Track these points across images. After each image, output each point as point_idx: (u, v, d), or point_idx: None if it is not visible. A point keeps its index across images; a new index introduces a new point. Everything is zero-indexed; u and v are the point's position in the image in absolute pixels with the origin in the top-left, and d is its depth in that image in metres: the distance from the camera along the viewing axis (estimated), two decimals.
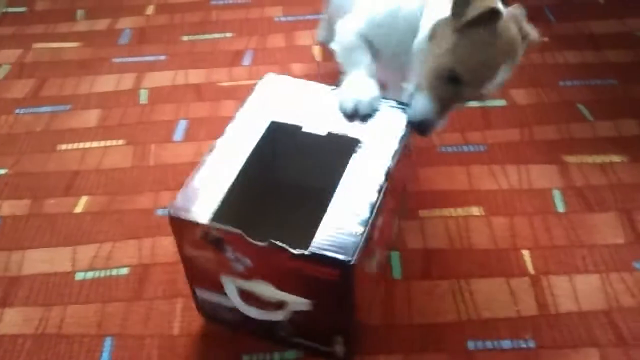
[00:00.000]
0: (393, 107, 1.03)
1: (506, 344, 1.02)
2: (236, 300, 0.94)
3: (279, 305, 0.93)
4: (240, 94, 1.52)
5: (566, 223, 1.20)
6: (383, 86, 1.09)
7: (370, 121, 1.00)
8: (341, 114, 1.01)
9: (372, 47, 1.09)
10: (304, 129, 0.99)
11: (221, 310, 1.00)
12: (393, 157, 0.95)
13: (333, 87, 1.07)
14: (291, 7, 1.81)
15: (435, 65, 0.96)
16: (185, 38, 1.72)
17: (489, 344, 1.02)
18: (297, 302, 0.91)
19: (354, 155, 0.95)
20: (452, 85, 0.95)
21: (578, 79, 1.52)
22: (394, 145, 0.97)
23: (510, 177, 1.29)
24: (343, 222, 0.86)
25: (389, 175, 0.92)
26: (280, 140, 1.04)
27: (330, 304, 0.90)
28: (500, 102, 1.46)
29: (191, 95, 1.53)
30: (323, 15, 1.61)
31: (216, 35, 1.72)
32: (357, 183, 0.91)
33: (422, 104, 0.98)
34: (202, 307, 1.04)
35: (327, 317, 0.92)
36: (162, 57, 1.66)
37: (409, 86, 1.02)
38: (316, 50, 1.65)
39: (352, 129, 0.99)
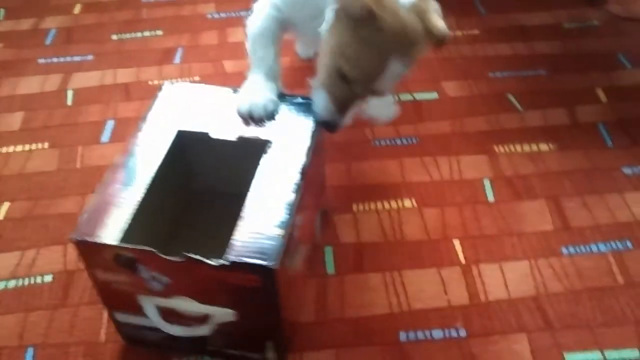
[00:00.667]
0: (300, 103, 1.02)
1: (437, 333, 1.02)
2: (157, 321, 0.90)
3: (204, 319, 0.90)
4: None
5: (496, 212, 1.21)
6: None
7: (282, 121, 0.99)
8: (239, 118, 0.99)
9: (288, 23, 1.07)
10: (212, 135, 0.97)
11: (144, 331, 0.96)
12: (307, 153, 0.93)
13: (236, 89, 1.04)
14: (224, 4, 1.78)
15: (326, 62, 0.95)
16: (114, 37, 1.67)
17: (420, 335, 1.02)
18: (222, 313, 0.88)
19: (264, 157, 0.93)
20: (344, 83, 0.94)
21: (508, 70, 1.54)
22: (306, 142, 0.95)
23: (442, 168, 1.30)
24: (260, 226, 0.84)
25: (304, 172, 0.91)
26: (189, 150, 1.01)
27: (256, 310, 0.87)
28: (432, 95, 1.47)
29: (119, 95, 1.49)
30: None
31: (146, 34, 1.68)
32: (271, 184, 0.89)
33: (321, 103, 0.98)
34: (124, 330, 1.00)
35: (255, 323, 0.90)
36: (90, 57, 1.60)
37: (313, 81, 1.01)
38: None
39: (263, 132, 0.97)
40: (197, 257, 0.81)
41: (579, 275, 1.11)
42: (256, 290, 0.83)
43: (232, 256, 0.80)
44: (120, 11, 1.77)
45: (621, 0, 1.74)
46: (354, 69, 0.92)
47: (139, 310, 0.91)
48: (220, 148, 0.98)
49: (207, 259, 0.80)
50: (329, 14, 0.95)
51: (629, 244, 1.16)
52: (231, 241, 0.82)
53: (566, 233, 1.18)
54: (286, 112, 1.01)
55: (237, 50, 1.61)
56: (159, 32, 1.68)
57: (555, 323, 1.04)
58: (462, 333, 1.02)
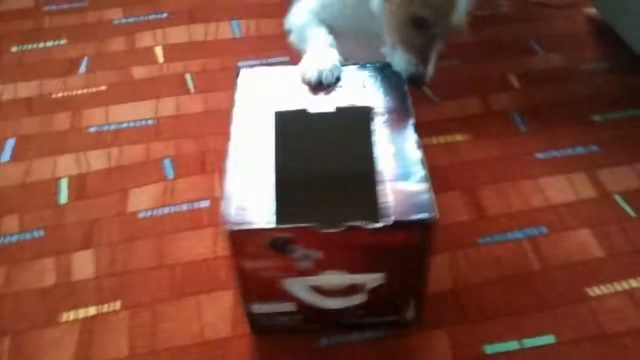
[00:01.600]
0: (366, 67, 1.05)
1: None
2: (311, 298, 0.92)
3: (350, 291, 0.92)
4: (75, 105, 1.42)
5: None
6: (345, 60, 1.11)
7: (367, 86, 1.02)
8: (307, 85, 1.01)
9: (328, 26, 1.13)
10: (310, 111, 0.97)
11: (279, 318, 0.97)
12: (410, 113, 0.97)
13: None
14: (131, 8, 1.71)
15: (398, 17, 1.00)
16: (14, 49, 1.59)
17: None
18: (371, 279, 0.90)
19: (374, 122, 0.95)
20: (420, 30, 0.99)
21: None
22: (403, 101, 0.99)
23: None
24: (403, 184, 0.86)
25: (416, 129, 0.95)
26: (293, 128, 0.98)
27: (406, 269, 0.90)
28: None
29: (20, 110, 1.41)
30: None
31: (49, 44, 1.60)
32: (394, 146, 0.92)
33: (403, 59, 1.02)
34: (258, 321, 0.99)
35: (402, 284, 0.93)
36: None
37: (385, 49, 1.05)
38: (159, 51, 1.56)
39: (356, 99, 0.99)
40: (360, 223, 0.81)
41: (495, 264, 1.11)
42: (409, 247, 0.85)
43: (394, 216, 0.81)
44: (21, 20, 1.68)
45: None
46: (431, 10, 0.97)
47: (280, 296, 0.92)
48: (320, 122, 0.99)
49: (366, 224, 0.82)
50: None
51: (543, 229, 1.16)
52: (382, 204, 0.84)
53: (482, 223, 1.18)
54: (357, 78, 1.04)
55: (146, 56, 1.55)
56: (63, 42, 1.60)
57: (473, 315, 1.03)
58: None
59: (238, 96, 1.01)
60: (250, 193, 0.86)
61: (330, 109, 0.98)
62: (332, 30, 1.13)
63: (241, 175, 0.88)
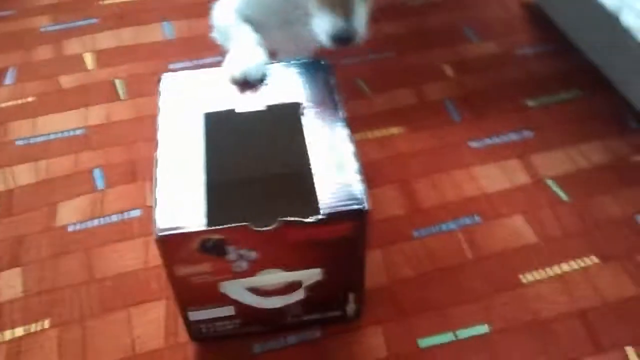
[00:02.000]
0: (289, 64, 1.04)
1: None
2: (249, 299, 0.91)
3: (289, 288, 0.92)
4: (1, 117, 1.38)
5: None
6: (273, 55, 1.10)
7: (295, 82, 1.01)
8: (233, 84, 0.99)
9: (252, 21, 1.09)
10: (238, 110, 0.95)
11: (218, 323, 0.96)
12: (340, 106, 0.97)
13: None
14: (59, 15, 1.66)
15: None
16: None
17: None
18: (310, 275, 0.90)
19: (303, 118, 0.94)
20: None
21: (358, 56, 1.52)
22: (331, 96, 0.99)
23: None
24: (335, 178, 0.85)
25: (347, 123, 0.95)
26: (222, 129, 0.96)
27: (343, 262, 0.91)
28: None
29: None
30: None
31: None
32: (325, 140, 0.91)
33: (322, 21, 0.96)
34: (195, 329, 0.97)
35: (341, 277, 0.94)
36: None
37: (309, 17, 1.00)
38: (88, 58, 1.53)
39: (285, 96, 0.97)
40: (294, 218, 0.81)
41: (429, 257, 1.11)
42: (345, 240, 0.86)
43: (325, 209, 0.82)
44: None
45: None
46: None
47: (217, 301, 0.91)
48: (251, 120, 0.97)
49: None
50: None
51: (477, 218, 1.17)
52: (314, 198, 0.84)
53: (417, 215, 1.17)
54: (284, 74, 1.02)
55: (75, 63, 1.51)
56: None
57: (407, 310, 1.03)
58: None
59: (162, 102, 0.98)
60: (179, 197, 0.84)
61: (259, 107, 0.96)
62: (258, 25, 1.10)
63: (170, 181, 0.87)
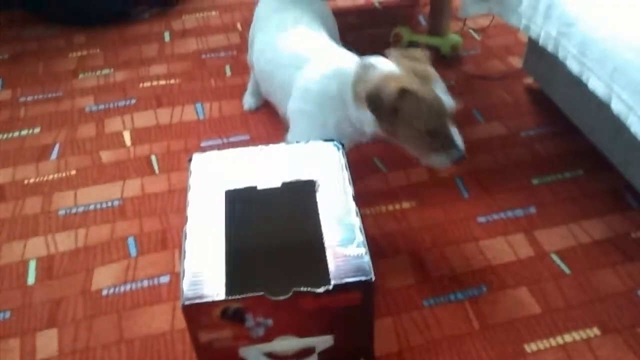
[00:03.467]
0: (313, 143, 1.15)
1: None
2: None
3: (303, 354, 0.99)
4: (46, 189, 1.51)
5: None
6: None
7: (311, 161, 1.11)
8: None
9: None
10: (259, 187, 1.06)
11: None
12: (350, 182, 1.06)
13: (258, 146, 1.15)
14: (102, 96, 1.82)
15: (416, 141, 1.12)
16: None
17: None
18: (322, 342, 0.97)
19: (317, 195, 1.04)
20: (436, 134, 1.10)
21: None
22: (343, 173, 1.08)
23: None
24: (343, 250, 0.94)
25: (356, 199, 1.04)
26: (242, 204, 1.08)
27: (352, 329, 0.98)
28: None
29: None
30: (250, 84, 1.73)
31: (24, 132, 1.70)
32: (336, 215, 1.00)
33: (440, 160, 1.12)
34: None
35: (351, 342, 1.00)
36: None
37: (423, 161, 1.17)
38: (126, 136, 1.67)
39: (300, 173, 1.08)
40: (305, 288, 0.89)
41: (438, 325, 1.17)
42: (354, 308, 0.94)
43: (334, 280, 0.90)
44: None
45: (474, 61, 1.90)
46: (433, 118, 1.08)
47: None
48: (268, 196, 1.08)
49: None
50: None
51: (484, 289, 1.23)
52: (325, 270, 0.92)
53: (427, 285, 1.25)
54: (302, 154, 1.13)
55: (114, 140, 1.65)
56: (37, 130, 1.70)
57: None
58: None
59: (192, 180, 1.09)
60: (203, 268, 0.93)
61: (277, 184, 1.06)
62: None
63: (196, 253, 0.96)
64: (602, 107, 1.24)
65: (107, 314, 1.22)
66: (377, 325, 1.16)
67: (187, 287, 0.91)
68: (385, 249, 1.33)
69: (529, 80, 1.78)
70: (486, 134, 1.63)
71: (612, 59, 1.16)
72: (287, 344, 0.98)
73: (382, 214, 1.41)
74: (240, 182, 1.08)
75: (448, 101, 1.10)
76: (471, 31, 2.02)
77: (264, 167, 1.11)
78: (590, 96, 1.27)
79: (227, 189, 1.07)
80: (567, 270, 1.26)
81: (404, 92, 1.06)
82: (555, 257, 1.29)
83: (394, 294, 1.23)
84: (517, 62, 1.85)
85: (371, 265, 0.92)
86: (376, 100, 1.08)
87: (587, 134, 1.51)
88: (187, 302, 0.89)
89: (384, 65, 1.13)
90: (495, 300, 1.21)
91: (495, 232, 1.35)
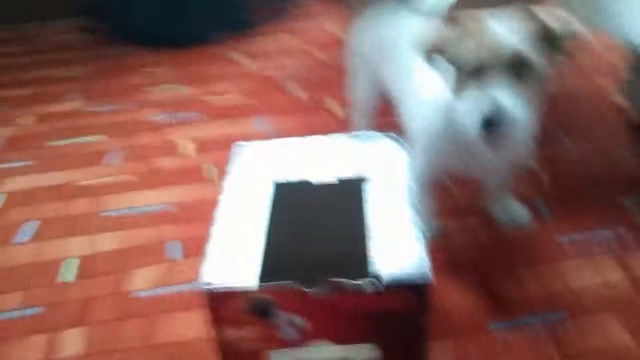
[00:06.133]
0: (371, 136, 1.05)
1: None
2: None
3: None
4: (99, 191, 1.48)
5: None
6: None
7: (368, 156, 1.00)
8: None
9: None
10: (312, 182, 0.96)
11: None
12: (407, 179, 0.94)
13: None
14: (168, 108, 1.82)
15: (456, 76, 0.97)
16: (57, 142, 1.70)
17: None
18: (365, 352, 0.83)
19: (370, 191, 0.93)
20: (480, 76, 0.92)
21: None
22: (400, 168, 0.96)
23: None
24: (399, 248, 0.81)
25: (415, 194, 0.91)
26: (289, 198, 0.97)
27: (400, 342, 0.83)
28: None
29: (50, 196, 1.48)
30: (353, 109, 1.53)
31: (88, 139, 1.70)
32: (390, 212, 0.88)
33: (470, 106, 0.93)
34: None
35: (400, 355, 0.84)
36: (29, 162, 1.62)
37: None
38: (186, 145, 1.63)
39: (354, 170, 0.98)
40: (349, 282, 0.77)
41: (508, 351, 0.99)
42: (402, 315, 0.79)
43: (385, 277, 0.76)
44: (70, 119, 1.81)
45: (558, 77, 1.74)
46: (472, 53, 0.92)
47: None
48: (320, 193, 0.97)
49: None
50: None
51: (562, 314, 1.05)
52: (372, 265, 0.79)
53: (496, 307, 1.08)
54: (357, 148, 1.03)
55: (174, 149, 1.62)
56: (100, 137, 1.70)
57: None
58: None
59: (233, 168, 1.01)
60: (233, 256, 0.83)
61: (328, 179, 0.96)
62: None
63: (227, 240, 0.86)
64: None
65: (138, 316, 1.13)
66: (436, 346, 1.01)
67: (208, 272, 0.80)
68: (451, 267, 1.17)
69: (617, 97, 1.60)
70: (570, 153, 1.45)
71: None
72: (324, 350, 0.84)
73: (450, 230, 1.26)
74: (287, 174, 0.98)
75: (506, 38, 0.90)
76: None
77: (313, 159, 1.01)
78: None
79: (274, 179, 0.97)
80: None
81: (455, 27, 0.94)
82: None
83: (455, 314, 1.07)
84: (604, 82, 1.68)
85: (429, 267, 0.78)
86: (432, 44, 0.96)
87: None
88: (207, 287, 0.78)
89: None
90: (576, 328, 1.02)
91: (578, 254, 1.17)
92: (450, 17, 0.99)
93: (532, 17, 0.92)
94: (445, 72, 1.00)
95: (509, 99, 0.90)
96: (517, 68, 0.90)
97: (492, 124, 0.90)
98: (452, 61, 0.96)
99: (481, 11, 0.96)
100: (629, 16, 1.23)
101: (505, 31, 0.91)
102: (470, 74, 0.93)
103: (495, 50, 0.90)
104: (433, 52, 0.98)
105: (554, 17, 0.93)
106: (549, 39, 0.93)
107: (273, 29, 2.26)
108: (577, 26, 0.95)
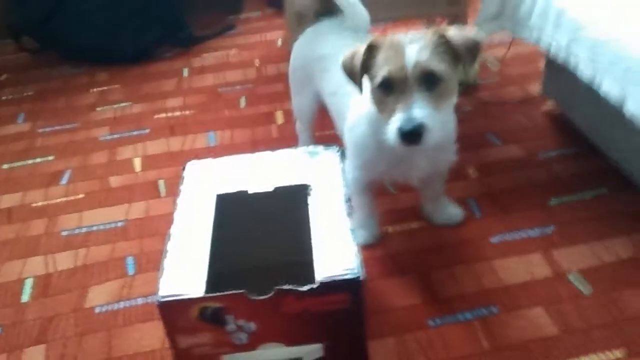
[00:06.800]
0: (310, 149, 1.12)
1: None
2: None
3: None
4: (52, 212, 1.50)
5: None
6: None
7: (307, 166, 1.07)
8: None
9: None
10: (250, 191, 1.02)
11: None
12: (342, 186, 1.02)
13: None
14: (117, 126, 1.85)
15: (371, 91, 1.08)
16: (5, 166, 1.70)
17: None
18: (311, 351, 0.90)
19: (309, 198, 1.00)
20: (390, 90, 1.03)
21: None
22: (337, 177, 1.04)
23: None
24: (334, 250, 0.89)
25: (349, 200, 0.99)
26: (232, 208, 1.04)
27: (344, 339, 0.90)
28: None
29: (1, 219, 1.49)
30: (297, 122, 1.60)
31: (37, 160, 1.72)
32: (326, 217, 0.95)
33: (391, 125, 1.02)
34: None
35: (342, 354, 0.92)
36: None
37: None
38: (137, 162, 1.66)
39: (295, 178, 1.04)
40: (288, 286, 0.83)
41: (444, 346, 1.08)
42: (343, 313, 0.86)
43: (320, 278, 0.83)
44: (16, 142, 1.82)
45: (491, 88, 1.85)
46: (384, 67, 1.02)
47: None
48: (261, 201, 1.04)
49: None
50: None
51: (495, 308, 1.14)
52: (311, 269, 0.86)
53: (433, 305, 1.16)
54: (297, 159, 1.10)
55: (125, 167, 1.65)
56: (51, 158, 1.72)
57: None
58: None
59: (184, 185, 1.07)
60: (183, 269, 0.89)
61: (269, 188, 1.02)
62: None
63: (177, 253, 0.92)
64: (624, 123, 1.16)
65: (98, 331, 1.17)
66: (378, 345, 1.09)
67: (163, 285, 0.86)
68: (392, 269, 1.25)
69: (548, 106, 1.71)
70: (502, 156, 1.56)
71: (625, 59, 1.10)
72: (273, 352, 0.90)
73: (389, 234, 1.34)
74: (232, 187, 1.04)
75: (414, 54, 1.00)
76: (488, 61, 1.98)
77: (258, 172, 1.07)
78: (611, 113, 1.19)
79: (218, 193, 1.03)
80: (588, 290, 1.16)
81: (370, 47, 1.05)
82: (574, 277, 1.19)
83: (397, 313, 1.15)
84: (534, 89, 1.79)
85: (361, 266, 0.86)
86: (350, 63, 1.07)
87: (608, 153, 1.43)
88: (162, 299, 0.84)
89: None
90: (508, 321, 1.12)
91: (509, 252, 1.26)
92: (371, 37, 1.09)
93: (445, 35, 1.03)
94: (366, 88, 1.09)
95: (423, 111, 1.00)
96: (428, 82, 1.01)
97: (409, 135, 1.00)
98: (369, 78, 1.07)
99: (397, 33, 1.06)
100: (541, 25, 1.36)
101: (416, 49, 1.01)
102: (384, 89, 1.03)
103: (404, 66, 1.00)
104: (351, 69, 1.08)
105: (464, 35, 1.04)
106: (459, 55, 1.03)
107: (221, 44, 2.30)
108: (489, 40, 1.07)
